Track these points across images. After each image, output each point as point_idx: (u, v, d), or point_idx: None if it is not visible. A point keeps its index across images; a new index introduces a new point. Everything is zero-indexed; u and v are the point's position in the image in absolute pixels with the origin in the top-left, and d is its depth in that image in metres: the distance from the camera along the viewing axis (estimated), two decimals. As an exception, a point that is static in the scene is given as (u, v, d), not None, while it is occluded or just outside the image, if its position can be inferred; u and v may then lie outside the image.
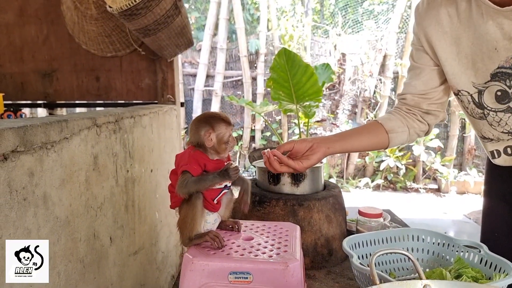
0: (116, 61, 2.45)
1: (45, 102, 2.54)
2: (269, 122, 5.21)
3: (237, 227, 0.98)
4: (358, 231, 1.26)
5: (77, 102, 2.57)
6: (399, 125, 1.06)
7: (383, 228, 1.28)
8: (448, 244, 0.97)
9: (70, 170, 1.03)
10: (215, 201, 0.94)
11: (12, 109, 2.16)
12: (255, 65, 5.07)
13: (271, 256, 0.82)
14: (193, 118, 5.10)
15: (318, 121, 4.99)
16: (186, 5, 5.56)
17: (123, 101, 2.48)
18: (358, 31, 5.24)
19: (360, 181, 5.19)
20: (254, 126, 5.09)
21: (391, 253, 0.76)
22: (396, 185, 5.22)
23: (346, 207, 1.55)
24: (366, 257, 0.99)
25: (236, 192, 1.02)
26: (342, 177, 5.25)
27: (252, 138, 5.19)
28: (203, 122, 0.90)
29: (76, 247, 1.06)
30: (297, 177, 1.22)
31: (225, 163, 0.91)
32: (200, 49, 5.00)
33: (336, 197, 1.24)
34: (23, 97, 2.54)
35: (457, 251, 0.94)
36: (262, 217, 1.20)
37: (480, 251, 0.89)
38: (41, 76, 2.52)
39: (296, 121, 4.79)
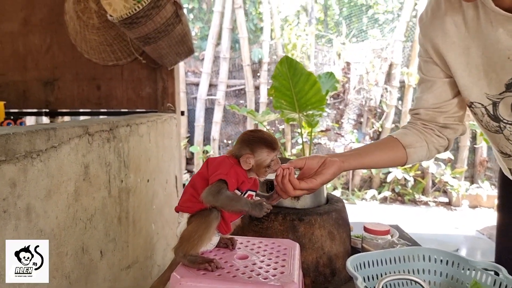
0: (117, 69, 2.42)
1: (46, 110, 2.51)
2: (272, 131, 5.16)
3: (232, 244, 0.92)
4: (363, 249, 1.18)
5: (80, 110, 2.54)
6: (416, 139, 1.00)
7: (391, 246, 1.21)
8: (463, 266, 0.90)
9: (58, 181, 0.98)
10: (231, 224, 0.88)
11: (12, 117, 2.13)
12: (258, 74, 5.05)
13: (266, 278, 0.75)
14: (195, 127, 5.02)
15: (322, 131, 4.93)
16: (190, 16, 5.59)
17: (125, 110, 2.45)
18: (362, 40, 5.20)
19: (366, 193, 5.09)
20: (257, 136, 5.03)
21: (400, 279, 0.69)
22: (404, 198, 5.10)
23: (350, 222, 1.48)
24: (373, 278, 0.91)
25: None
26: (348, 189, 5.16)
27: (256, 148, 5.13)
28: (246, 144, 0.83)
29: (61, 262, 1.00)
30: (297, 190, 1.16)
31: (250, 195, 0.86)
32: (203, 59, 4.99)
33: (339, 212, 1.17)
34: (25, 106, 2.52)
35: (473, 274, 0.87)
36: (259, 233, 1.13)
37: (498, 275, 0.81)
38: (43, 84, 2.50)
39: (299, 130, 4.74)
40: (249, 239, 0.98)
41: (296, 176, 0.94)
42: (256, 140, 0.83)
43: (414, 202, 5.09)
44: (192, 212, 0.83)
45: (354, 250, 1.27)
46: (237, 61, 5.07)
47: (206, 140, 4.99)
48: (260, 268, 0.81)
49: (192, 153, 5.06)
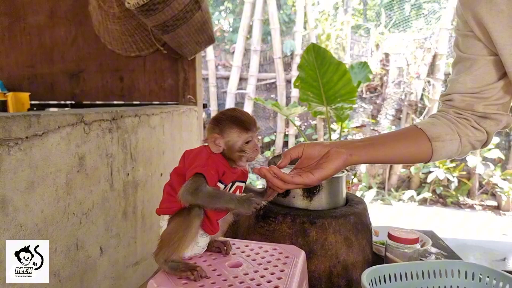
0: (140, 61, 2.38)
1: (72, 102, 2.53)
2: (304, 126, 4.98)
3: (225, 248, 0.80)
4: (387, 259, 1.02)
5: (104, 103, 2.53)
6: (446, 131, 0.82)
7: (420, 256, 1.04)
8: (509, 286, 0.72)
9: (44, 172, 0.91)
10: (219, 222, 0.76)
11: (35, 108, 2.14)
12: (290, 67, 4.87)
13: (253, 294, 0.63)
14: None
15: (357, 127, 4.67)
16: (222, 7, 5.51)
17: (146, 102, 2.41)
18: (404, 29, 4.86)
19: (404, 193, 4.77)
20: (288, 131, 4.87)
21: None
22: (446, 200, 4.73)
23: (380, 225, 1.31)
24: (391, 297, 0.76)
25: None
26: (384, 189, 4.87)
27: (286, 144, 4.97)
28: (214, 124, 0.72)
29: (48, 259, 0.93)
30: (310, 189, 1.02)
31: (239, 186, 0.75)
32: (234, 52, 4.90)
33: (359, 215, 1.02)
34: (52, 97, 2.55)
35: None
36: (265, 235, 1.00)
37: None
38: (69, 76, 2.52)
39: (332, 126, 4.52)
40: (248, 243, 0.86)
41: (289, 170, 0.80)
42: (225, 119, 0.71)
43: (458, 205, 4.70)
44: (172, 213, 0.72)
45: (378, 259, 1.10)
46: (268, 53, 4.92)
47: (236, 135, 4.91)
48: (252, 279, 0.69)
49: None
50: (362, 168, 4.79)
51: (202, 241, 0.75)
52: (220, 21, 5.74)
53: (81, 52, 2.47)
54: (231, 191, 0.74)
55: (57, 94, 2.53)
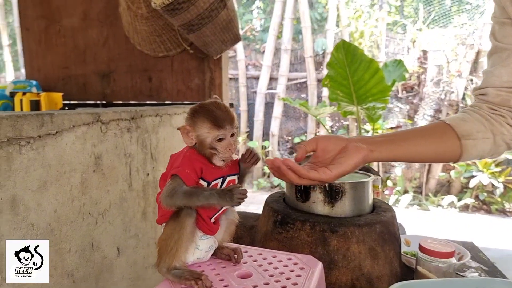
0: (168, 61, 2.39)
1: (103, 102, 2.59)
2: (336, 127, 4.84)
3: (235, 256, 0.75)
4: (417, 273, 0.92)
5: (133, 102, 2.57)
6: (478, 128, 0.73)
7: (457, 271, 0.93)
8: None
9: (57, 171, 0.90)
10: (213, 220, 0.72)
11: (67, 108, 2.20)
12: (321, 66, 4.74)
13: (258, 310, 0.57)
14: (255, 122, 4.89)
15: (391, 128, 4.47)
16: (253, 6, 5.48)
17: (172, 102, 2.41)
18: (445, 25, 4.59)
19: (443, 198, 4.50)
20: (319, 131, 4.75)
21: None
22: (491, 207, 4.42)
23: (411, 235, 1.21)
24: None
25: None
26: (421, 193, 4.62)
27: (317, 145, 4.84)
28: (189, 114, 0.68)
29: (62, 260, 0.93)
30: (332, 193, 0.94)
31: (231, 181, 0.70)
32: (264, 51, 4.85)
33: (386, 224, 0.93)
34: (84, 98, 2.63)
35: None
36: (283, 242, 0.94)
37: None
38: (100, 77, 2.58)
39: (365, 127, 4.36)
40: (262, 252, 0.80)
41: (304, 164, 0.74)
42: (200, 112, 0.66)
43: (504, 212, 4.37)
44: (167, 220, 0.68)
45: (409, 272, 1.01)
46: (299, 53, 4.83)
47: (266, 135, 4.86)
48: (261, 293, 0.63)
49: (251, 148, 4.97)
50: (398, 171, 4.58)
51: (203, 243, 0.71)
52: (251, 21, 5.71)
53: (112, 53, 2.52)
54: (224, 186, 0.70)
55: (89, 94, 2.60)
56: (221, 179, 0.69)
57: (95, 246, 1.04)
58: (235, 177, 0.72)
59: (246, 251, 0.80)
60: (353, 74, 2.01)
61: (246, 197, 0.63)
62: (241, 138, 4.95)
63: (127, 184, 1.20)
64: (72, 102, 2.56)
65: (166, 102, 2.41)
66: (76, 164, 0.96)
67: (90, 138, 1.02)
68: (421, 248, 0.92)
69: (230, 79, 5.10)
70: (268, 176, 4.77)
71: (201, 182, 0.67)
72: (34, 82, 2.28)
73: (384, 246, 0.90)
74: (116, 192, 1.14)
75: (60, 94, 2.26)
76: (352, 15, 4.74)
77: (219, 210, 0.71)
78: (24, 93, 2.05)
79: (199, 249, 0.71)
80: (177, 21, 1.89)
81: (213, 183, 0.68)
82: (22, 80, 2.38)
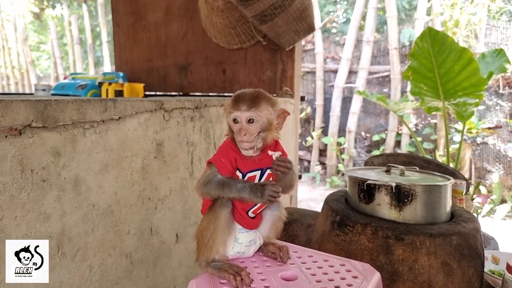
0: (241, 53, 2.40)
1: (180, 93, 2.71)
2: (422, 125, 4.41)
3: (281, 255, 0.69)
4: (504, 298, 0.77)
5: (218, 94, 2.65)
6: None
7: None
8: None
9: (119, 155, 0.94)
10: (250, 214, 0.68)
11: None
12: (407, 59, 4.34)
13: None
14: (331, 117, 4.69)
15: (489, 128, 3.93)
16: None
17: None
18: None
19: (551, 212, 3.83)
20: (401, 129, 4.37)
21: None
22: None
23: (500, 251, 1.03)
24: None
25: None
26: (523, 203, 3.99)
27: (398, 144, 4.47)
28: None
29: (120, 241, 0.97)
30: (400, 195, 0.83)
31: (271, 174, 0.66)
32: (344, 43, 4.61)
33: (465, 237, 0.79)
34: (164, 89, 2.79)
35: None
36: (340, 246, 0.86)
37: None
38: (179, 69, 2.70)
39: (455, 126, 3.90)
40: (313, 254, 0.73)
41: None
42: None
43: None
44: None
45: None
46: (382, 44, 4.49)
47: (342, 131, 4.64)
48: (303, 301, 0.56)
49: (325, 144, 4.80)
50: (495, 177, 4.01)
51: (242, 237, 0.67)
52: (334, 13, 5.49)
53: (190, 46, 2.62)
54: (263, 179, 0.65)
55: (169, 86, 2.75)
56: (259, 171, 0.65)
57: (154, 230, 1.07)
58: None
59: (296, 252, 0.73)
60: (440, 66, 1.78)
61: (279, 195, 0.59)
62: (315, 133, 4.81)
63: (189, 172, 1.21)
64: (152, 93, 2.73)
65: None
66: (138, 150, 0.99)
67: (153, 125, 1.04)
68: (508, 268, 0.76)
69: (307, 72, 4.98)
70: (343, 174, 4.57)
71: (237, 173, 0.65)
72: (121, 74, 2.48)
73: (462, 261, 0.77)
74: (177, 179, 1.16)
75: (142, 84, 2.42)
76: (446, 2, 4.25)
77: (256, 205, 0.67)
78: (109, 83, 2.23)
79: (239, 242, 0.68)
80: (250, 11, 1.87)
81: (249, 175, 0.65)
82: (111, 72, 2.61)
